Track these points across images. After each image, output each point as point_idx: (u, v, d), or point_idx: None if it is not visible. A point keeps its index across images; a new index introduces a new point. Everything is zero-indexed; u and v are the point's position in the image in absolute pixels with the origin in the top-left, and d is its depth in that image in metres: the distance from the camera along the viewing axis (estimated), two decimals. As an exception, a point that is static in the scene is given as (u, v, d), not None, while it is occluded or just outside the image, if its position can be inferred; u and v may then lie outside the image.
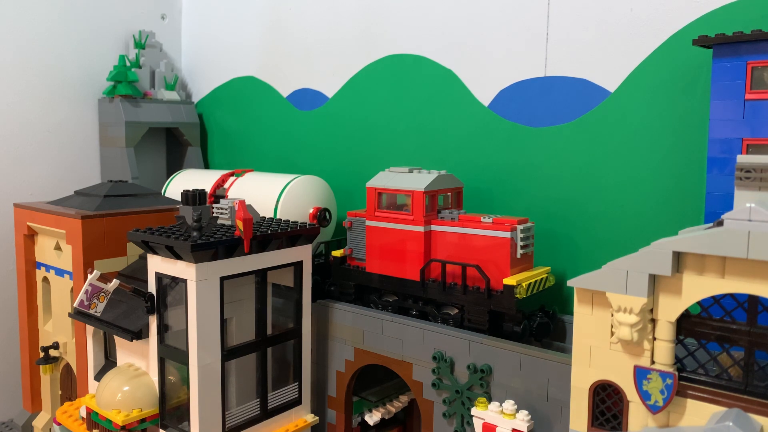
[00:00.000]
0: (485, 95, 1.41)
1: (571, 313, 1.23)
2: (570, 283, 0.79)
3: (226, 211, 1.18)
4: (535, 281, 1.14)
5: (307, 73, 1.76)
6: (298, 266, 1.20)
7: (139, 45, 1.92)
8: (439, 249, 1.22)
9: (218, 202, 1.20)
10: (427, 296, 1.21)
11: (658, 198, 1.20)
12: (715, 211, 1.02)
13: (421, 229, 1.21)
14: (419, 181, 1.23)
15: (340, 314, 1.26)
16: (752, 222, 0.65)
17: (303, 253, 1.21)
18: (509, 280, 1.11)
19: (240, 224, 1.06)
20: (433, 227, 1.22)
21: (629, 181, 1.23)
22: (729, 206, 0.86)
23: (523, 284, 1.11)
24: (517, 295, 1.10)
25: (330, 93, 1.71)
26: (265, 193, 1.49)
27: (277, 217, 1.44)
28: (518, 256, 1.14)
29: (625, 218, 1.24)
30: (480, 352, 1.07)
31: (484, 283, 1.13)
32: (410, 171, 1.28)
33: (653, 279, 0.73)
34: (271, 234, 1.12)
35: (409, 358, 1.16)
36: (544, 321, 1.15)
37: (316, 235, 1.23)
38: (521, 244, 1.14)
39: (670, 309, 0.73)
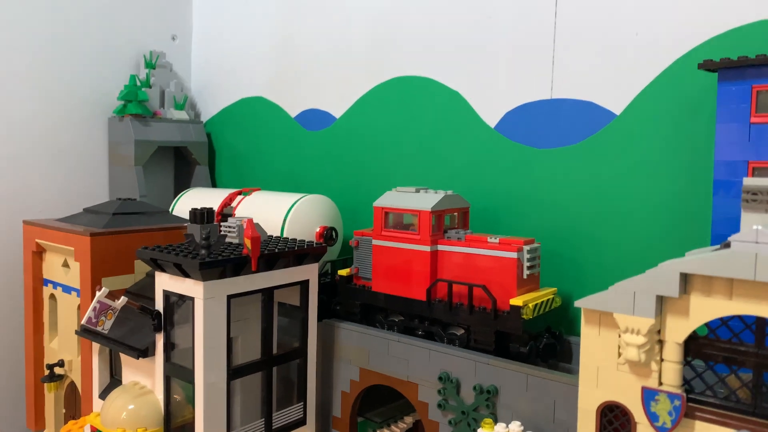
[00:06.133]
0: (491, 117, 1.42)
1: (578, 335, 1.24)
2: (577, 303, 0.79)
3: (234, 230, 1.19)
4: (542, 302, 1.14)
5: (315, 94, 1.78)
6: (304, 285, 1.20)
7: (150, 65, 1.94)
8: (445, 269, 1.22)
9: (226, 221, 1.20)
10: (433, 316, 1.21)
11: (664, 221, 1.20)
12: (721, 233, 1.03)
13: (427, 248, 1.22)
14: (426, 200, 1.23)
15: (346, 334, 1.26)
16: (759, 244, 0.66)
17: (309, 272, 1.22)
18: (515, 301, 1.11)
19: (248, 242, 1.07)
20: (440, 247, 1.22)
21: (635, 203, 1.23)
22: (735, 229, 0.86)
23: (530, 305, 1.11)
24: (524, 316, 1.10)
25: (338, 113, 1.72)
26: (272, 211, 1.50)
27: (284, 235, 1.45)
28: (525, 276, 1.15)
29: (631, 241, 1.24)
30: (486, 373, 1.06)
31: (491, 304, 1.13)
32: (417, 191, 1.29)
33: (661, 300, 0.73)
34: (279, 252, 1.13)
35: (414, 379, 1.15)
36: (550, 342, 1.14)
37: (323, 254, 1.24)
38: (527, 264, 1.15)
39: (678, 330, 0.73)
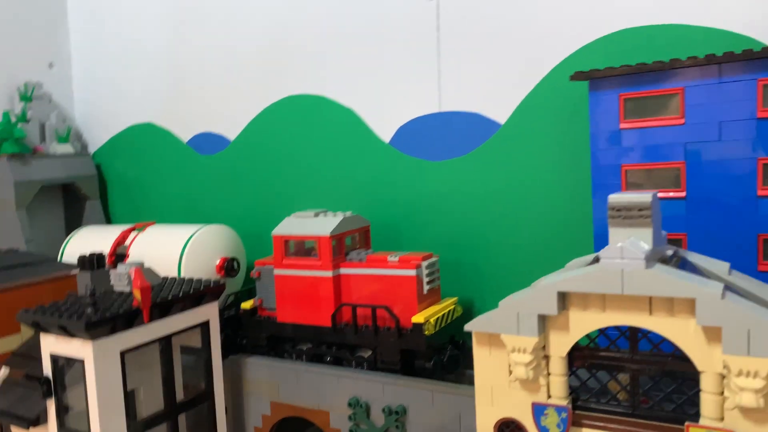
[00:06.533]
0: (385, 132, 1.43)
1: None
2: (467, 327, 0.81)
3: (124, 278, 1.14)
4: (443, 315, 1.17)
5: (207, 117, 1.73)
6: (204, 327, 1.17)
7: (26, 98, 1.82)
8: (349, 292, 1.22)
9: (119, 263, 1.15)
10: (341, 341, 1.21)
11: (553, 222, 1.25)
12: (602, 233, 1.08)
13: (330, 273, 1.21)
14: (325, 225, 1.23)
15: (254, 368, 1.24)
16: (624, 260, 0.69)
17: (209, 312, 1.18)
18: (417, 318, 1.12)
19: (137, 293, 1.03)
20: (342, 270, 1.22)
21: (525, 208, 1.27)
22: None
23: (431, 320, 1.13)
24: (426, 332, 1.11)
25: (231, 136, 1.68)
26: (167, 247, 1.44)
27: (182, 272, 1.40)
28: (425, 292, 1.16)
29: (524, 244, 1.28)
30: (394, 394, 1.07)
31: (395, 323, 1.14)
32: (316, 215, 1.28)
33: (543, 318, 0.76)
34: (172, 299, 1.09)
35: (325, 407, 1.15)
36: (454, 354, 1.17)
37: (222, 291, 1.20)
38: (427, 280, 1.16)
39: (561, 345, 0.76)
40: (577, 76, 1.07)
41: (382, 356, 1.15)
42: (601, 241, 1.07)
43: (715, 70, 0.96)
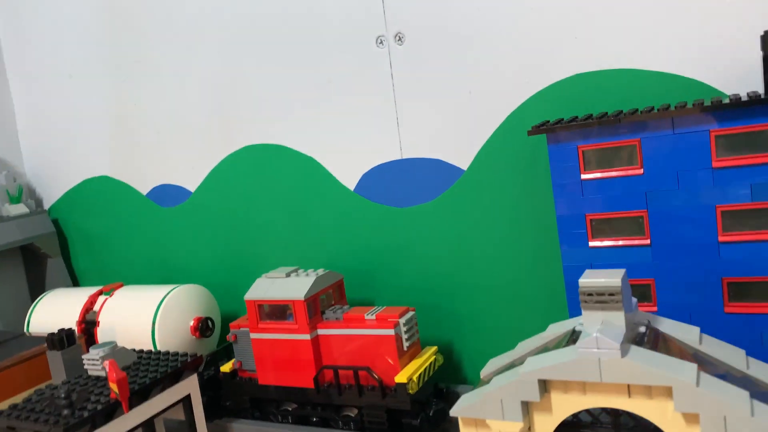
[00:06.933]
0: (349, 180, 1.43)
1: (463, 383, 1.29)
2: (452, 412, 0.83)
3: (98, 362, 1.12)
4: (425, 369, 1.18)
5: (164, 169, 1.69)
6: (186, 401, 1.16)
7: (-29, 159, 1.76)
8: (329, 351, 1.22)
9: (90, 332, 1.13)
10: (325, 401, 1.21)
11: (523, 264, 1.27)
12: (572, 281, 1.10)
13: (307, 336, 1.21)
14: (298, 287, 1.22)
15: (240, 435, 1.23)
16: (600, 350, 0.71)
17: (189, 386, 1.17)
18: (400, 378, 1.13)
19: (114, 387, 1.01)
20: (320, 331, 1.22)
21: (495, 251, 1.29)
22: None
23: (414, 378, 1.14)
24: (410, 391, 1.13)
25: (192, 187, 1.65)
26: (138, 312, 1.42)
27: (156, 337, 1.38)
28: (405, 348, 1.17)
29: (497, 285, 1.30)
30: (384, 458, 1.08)
31: (378, 382, 1.14)
32: (287, 275, 1.27)
33: (526, 403, 0.77)
34: (151, 383, 1.07)
35: (315, 473, 1.15)
36: (439, 407, 1.18)
37: (201, 363, 1.19)
38: (406, 336, 1.17)
39: (545, 426, 0.78)
40: (534, 130, 1.08)
41: (368, 417, 1.16)
42: (573, 289, 1.09)
43: (669, 121, 0.99)
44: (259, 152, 1.53)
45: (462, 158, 1.29)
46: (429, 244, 1.36)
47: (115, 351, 1.15)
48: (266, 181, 1.53)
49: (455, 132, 1.29)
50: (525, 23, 1.19)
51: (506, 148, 1.25)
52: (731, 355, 0.78)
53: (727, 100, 0.96)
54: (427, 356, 1.21)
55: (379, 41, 1.34)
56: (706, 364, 0.75)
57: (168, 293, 1.42)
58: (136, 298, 1.46)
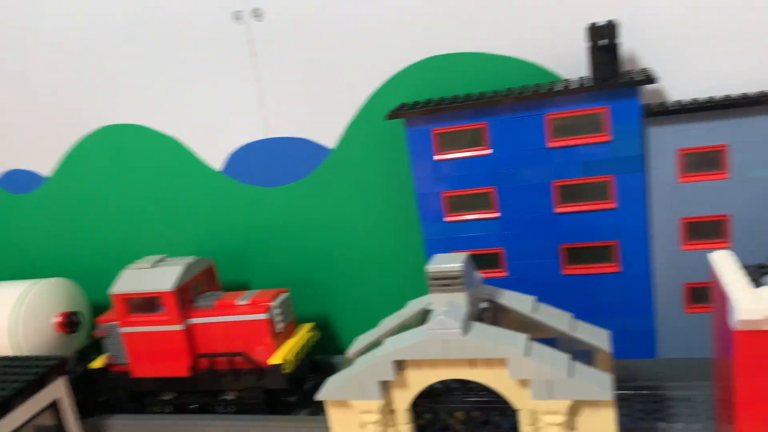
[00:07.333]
0: (215, 161, 1.41)
1: (341, 353, 1.35)
2: (319, 397, 0.88)
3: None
4: (301, 347, 1.22)
5: (12, 152, 1.57)
6: (53, 407, 1.13)
7: None
8: (204, 339, 1.22)
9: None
10: (204, 388, 1.23)
11: (389, 238, 1.33)
12: (433, 253, 1.17)
13: (180, 327, 1.21)
14: (166, 278, 1.21)
15: (117, 430, 1.22)
16: (445, 330, 0.78)
17: (56, 391, 1.13)
18: (275, 359, 1.17)
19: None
20: (192, 320, 1.22)
21: (363, 227, 1.34)
22: (444, 249, 1.04)
23: (289, 357, 1.18)
24: (285, 371, 1.17)
25: (46, 172, 1.55)
26: (-4, 312, 1.34)
27: (16, 338, 1.31)
28: (279, 330, 1.21)
29: (366, 259, 1.36)
30: (262, 435, 1.13)
31: (254, 365, 1.18)
32: (154, 265, 1.25)
33: (384, 382, 0.84)
34: (12, 396, 1.03)
35: (195, 459, 1.18)
36: (316, 382, 1.23)
37: (66, 364, 1.16)
38: (279, 318, 1.21)
39: (403, 400, 0.85)
40: (392, 115, 1.13)
41: (246, 399, 1.19)
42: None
43: (510, 106, 1.07)
44: (118, 133, 1.46)
45: (328, 138, 1.31)
46: (300, 222, 1.38)
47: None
48: (127, 164, 1.47)
49: (321, 111, 1.30)
50: (382, 5, 1.21)
51: (370, 128, 1.28)
52: (559, 320, 0.89)
53: (561, 86, 1.04)
54: (302, 334, 1.26)
55: (236, 16, 1.30)
56: (537, 331, 0.85)
57: (28, 289, 1.35)
58: (-9, 298, 1.37)
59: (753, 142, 1.01)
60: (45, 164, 1.55)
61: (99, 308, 1.45)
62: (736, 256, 0.84)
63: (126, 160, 1.47)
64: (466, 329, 0.78)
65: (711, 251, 0.87)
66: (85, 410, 1.25)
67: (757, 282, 0.78)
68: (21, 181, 1.58)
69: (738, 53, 1.07)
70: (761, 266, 0.83)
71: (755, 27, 1.06)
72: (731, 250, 0.88)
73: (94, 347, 1.36)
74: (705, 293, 1.03)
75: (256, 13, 1.30)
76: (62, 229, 1.57)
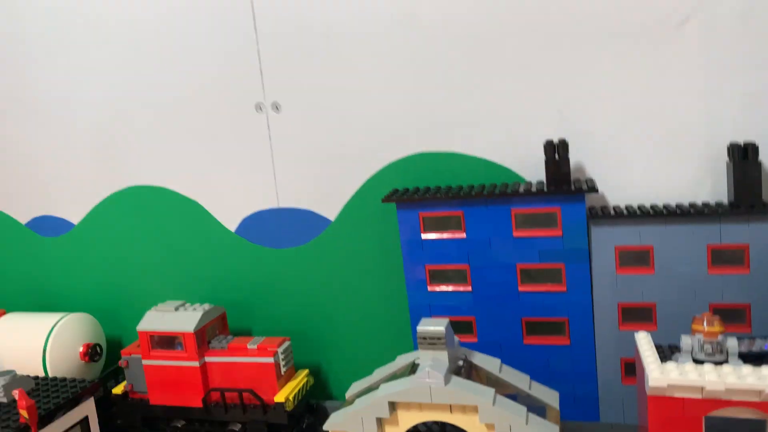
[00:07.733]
0: (231, 223, 1.64)
1: (332, 399, 1.56)
2: (325, 427, 1.10)
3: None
4: (299, 389, 1.43)
5: (44, 200, 1.77)
6: (84, 423, 1.31)
7: None
8: (215, 376, 1.43)
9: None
10: (212, 419, 1.42)
11: (378, 300, 1.56)
12: (416, 317, 1.41)
13: (197, 363, 1.41)
14: (187, 320, 1.42)
15: (132, 452, 1.40)
16: (430, 380, 1.02)
17: (87, 409, 1.32)
18: (279, 397, 1.38)
19: (24, 413, 1.15)
20: (207, 359, 1.43)
21: (354, 290, 1.57)
22: (426, 313, 1.34)
23: (290, 397, 1.39)
24: (287, 408, 1.38)
25: (75, 220, 1.75)
26: (28, 339, 1.52)
27: (48, 363, 1.49)
28: (282, 373, 1.42)
29: (357, 319, 1.58)
30: (263, 464, 1.33)
31: (259, 401, 1.38)
32: (176, 308, 1.46)
33: (380, 419, 1.07)
34: (56, 409, 1.22)
35: (200, 483, 1.37)
36: (311, 421, 1.44)
37: (98, 388, 1.35)
38: (283, 363, 1.42)
39: (393, 434, 1.08)
40: (387, 199, 1.38)
41: (251, 431, 1.39)
42: (415, 323, 1.39)
43: (483, 200, 1.33)
44: (146, 193, 1.68)
45: (330, 210, 1.56)
46: (300, 281, 1.61)
47: (15, 379, 1.27)
48: (151, 220, 1.68)
49: (325, 189, 1.55)
50: (381, 108, 1.47)
51: (366, 205, 1.52)
52: (520, 380, 1.13)
53: (523, 188, 1.32)
54: (300, 378, 1.47)
55: (258, 107, 1.56)
56: (502, 387, 1.10)
57: (58, 321, 1.54)
58: (24, 326, 1.55)
59: (672, 244, 1.28)
60: (75, 213, 1.75)
61: (113, 343, 1.64)
62: (652, 337, 1.11)
63: (150, 216, 1.68)
64: (447, 380, 1.02)
65: (640, 332, 1.12)
66: (104, 430, 1.43)
67: (669, 359, 1.04)
68: (51, 225, 1.78)
69: (660, 169, 1.32)
70: (672, 346, 1.10)
71: (675, 148, 1.31)
72: (654, 333, 1.13)
73: (110, 377, 1.54)
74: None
75: (275, 106, 1.55)
76: (84, 271, 1.76)
